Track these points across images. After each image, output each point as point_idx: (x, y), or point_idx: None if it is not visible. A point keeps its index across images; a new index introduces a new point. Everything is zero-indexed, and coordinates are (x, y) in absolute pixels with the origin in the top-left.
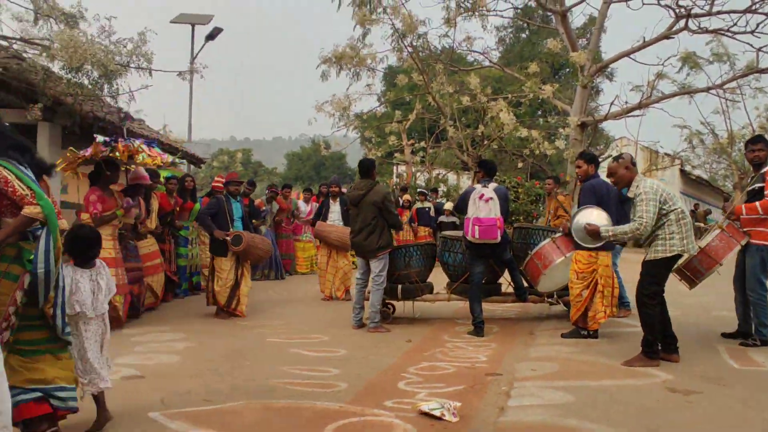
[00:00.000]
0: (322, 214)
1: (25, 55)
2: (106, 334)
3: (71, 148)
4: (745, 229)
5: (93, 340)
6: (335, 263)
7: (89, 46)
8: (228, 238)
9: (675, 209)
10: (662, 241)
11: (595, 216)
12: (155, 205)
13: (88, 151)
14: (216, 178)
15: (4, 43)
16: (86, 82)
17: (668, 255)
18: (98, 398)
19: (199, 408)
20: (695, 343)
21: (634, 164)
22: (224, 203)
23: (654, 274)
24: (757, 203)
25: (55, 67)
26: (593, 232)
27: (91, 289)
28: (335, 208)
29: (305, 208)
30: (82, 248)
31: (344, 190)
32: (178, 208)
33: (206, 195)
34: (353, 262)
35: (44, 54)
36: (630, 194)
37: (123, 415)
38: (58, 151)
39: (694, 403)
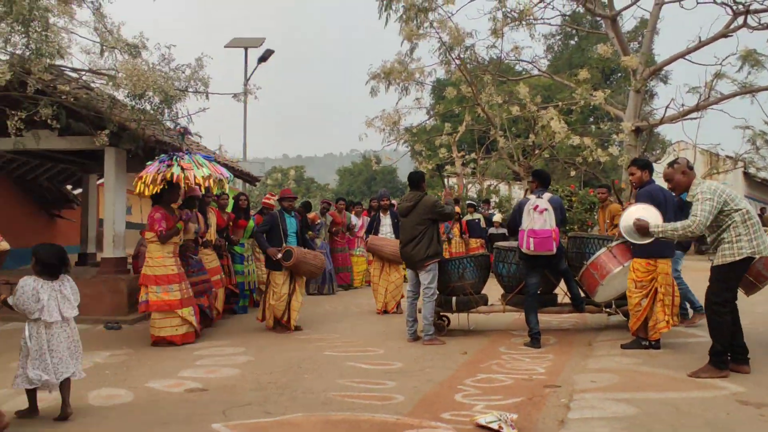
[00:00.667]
0: (373, 228)
1: (93, 85)
2: (73, 336)
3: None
4: None
5: (57, 342)
6: (387, 277)
7: (151, 73)
8: (279, 255)
9: (739, 209)
10: (729, 245)
11: (645, 212)
12: (213, 219)
13: (150, 171)
14: (267, 195)
15: (74, 75)
16: (148, 107)
17: (737, 258)
18: (63, 389)
19: (260, 420)
20: (767, 353)
21: (690, 168)
22: (278, 219)
23: (724, 279)
24: None
25: (120, 95)
26: (642, 228)
27: (55, 297)
28: (386, 221)
29: (357, 222)
30: (45, 265)
31: (394, 202)
32: (231, 224)
33: (258, 213)
34: (405, 276)
35: (110, 83)
36: (689, 198)
37: (188, 426)
38: (123, 173)
39: (767, 416)
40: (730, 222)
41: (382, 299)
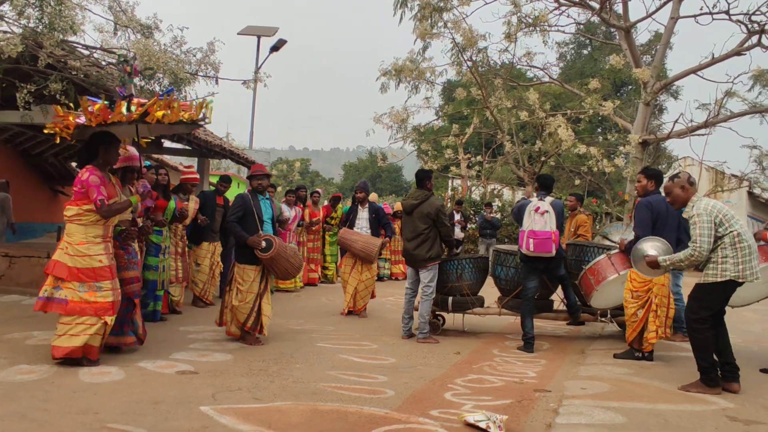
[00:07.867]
0: (349, 220)
1: (103, 63)
2: None
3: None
4: None
5: None
6: (358, 275)
7: (162, 55)
8: (264, 244)
9: (730, 232)
10: (714, 265)
11: (650, 245)
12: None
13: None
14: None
15: (86, 52)
16: (157, 88)
17: (719, 280)
18: None
19: (248, 405)
20: (759, 371)
21: (692, 184)
22: (250, 202)
23: (704, 298)
24: None
25: None
26: (653, 263)
27: None
28: (363, 215)
29: (290, 214)
30: None
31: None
32: (153, 205)
33: (172, 191)
34: (376, 276)
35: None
36: (685, 215)
37: (178, 406)
38: None
39: None
40: (719, 243)
41: (350, 298)
